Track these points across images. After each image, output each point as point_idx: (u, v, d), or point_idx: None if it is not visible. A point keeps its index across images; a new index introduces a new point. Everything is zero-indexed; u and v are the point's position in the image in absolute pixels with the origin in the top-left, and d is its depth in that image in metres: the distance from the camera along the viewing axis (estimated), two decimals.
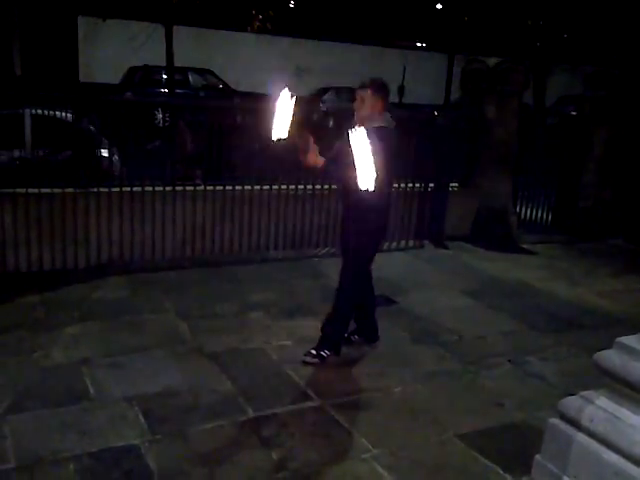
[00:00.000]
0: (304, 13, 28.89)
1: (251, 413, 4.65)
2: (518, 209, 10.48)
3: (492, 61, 10.00)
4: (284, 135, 4.65)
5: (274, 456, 4.19)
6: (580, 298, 7.73)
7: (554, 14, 26.40)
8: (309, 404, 4.86)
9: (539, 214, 10.76)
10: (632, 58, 11.30)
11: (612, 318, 7.12)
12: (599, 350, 6.07)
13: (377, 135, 5.10)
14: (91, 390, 4.80)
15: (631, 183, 10.92)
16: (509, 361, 5.85)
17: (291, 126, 4.67)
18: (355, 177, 5.01)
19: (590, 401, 3.30)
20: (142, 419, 4.46)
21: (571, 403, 3.37)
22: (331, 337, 5.56)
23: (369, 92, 5.26)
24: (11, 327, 5.82)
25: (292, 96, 4.67)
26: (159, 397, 4.77)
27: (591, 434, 3.22)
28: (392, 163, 5.38)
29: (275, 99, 4.67)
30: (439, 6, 29.92)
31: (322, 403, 4.86)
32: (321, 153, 5.28)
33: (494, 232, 9.89)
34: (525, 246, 9.95)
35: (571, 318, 7.05)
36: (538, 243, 10.15)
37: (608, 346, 6.17)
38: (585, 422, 3.26)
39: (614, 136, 10.82)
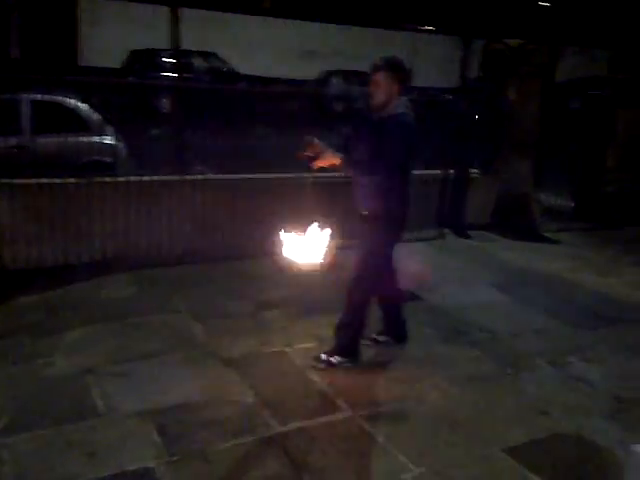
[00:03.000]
0: None
1: (277, 427, 4.22)
2: (540, 196, 10.04)
3: (515, 42, 9.51)
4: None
5: (305, 478, 3.77)
6: (612, 290, 7.33)
7: None
8: (339, 416, 4.42)
9: (561, 201, 10.33)
10: None
11: None
12: (638, 347, 5.75)
13: (396, 123, 4.68)
14: (99, 404, 4.36)
15: None
16: (548, 363, 5.43)
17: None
18: (368, 166, 4.62)
19: None
20: (157, 437, 4.03)
21: None
22: (344, 343, 5.12)
23: (383, 74, 4.73)
24: (8, 331, 5.36)
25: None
26: (175, 411, 4.33)
27: None
28: (413, 152, 4.95)
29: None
30: None
31: (353, 414, 4.44)
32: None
33: (516, 220, 9.47)
34: (547, 234, 9.50)
35: (606, 312, 6.66)
36: (560, 231, 9.73)
37: None
38: None
39: (638, 120, 10.39)
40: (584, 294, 7.15)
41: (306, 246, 4.56)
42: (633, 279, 7.75)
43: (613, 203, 10.44)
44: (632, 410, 4.75)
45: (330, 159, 4.74)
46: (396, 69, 4.81)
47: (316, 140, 4.78)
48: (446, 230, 9.01)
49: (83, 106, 8.54)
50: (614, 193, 10.49)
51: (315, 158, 4.76)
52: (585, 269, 8.04)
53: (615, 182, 10.51)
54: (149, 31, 20.58)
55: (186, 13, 12.41)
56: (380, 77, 4.74)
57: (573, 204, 10.59)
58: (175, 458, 3.85)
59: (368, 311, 5.13)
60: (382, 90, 4.75)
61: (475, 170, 9.43)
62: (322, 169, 4.97)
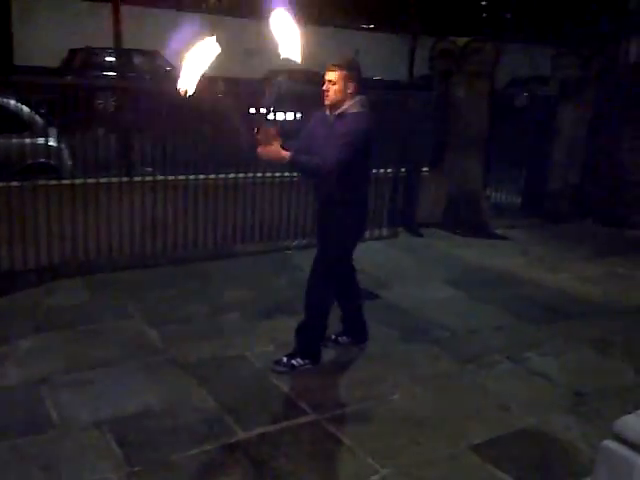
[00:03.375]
0: None
1: (240, 434, 4.12)
2: (489, 192, 10.11)
3: (462, 40, 9.53)
4: (191, 89, 3.61)
5: None
6: (564, 285, 7.41)
7: None
8: (303, 419, 4.34)
9: (509, 197, 10.42)
10: (596, 38, 10.98)
11: (600, 305, 6.87)
12: (595, 341, 5.81)
13: (353, 122, 4.63)
14: (54, 415, 4.19)
15: (600, 164, 10.64)
16: (507, 358, 5.43)
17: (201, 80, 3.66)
18: (328, 166, 4.50)
19: None
20: (116, 448, 3.89)
21: (630, 424, 2.89)
22: (304, 345, 5.04)
23: (340, 73, 4.66)
24: None
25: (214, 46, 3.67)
26: (134, 420, 4.19)
27: None
28: (371, 151, 4.89)
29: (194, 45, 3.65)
30: None
31: (317, 417, 4.36)
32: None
33: (467, 217, 9.51)
34: (498, 231, 9.57)
35: (560, 307, 6.72)
36: (510, 227, 9.81)
37: (604, 337, 5.91)
38: None
39: (582, 117, 10.53)
40: (537, 290, 7.19)
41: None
42: (584, 274, 7.83)
43: (559, 199, 10.57)
44: (591, 404, 4.77)
45: (277, 153, 4.47)
46: (351, 68, 4.74)
47: (274, 128, 4.59)
48: (399, 228, 8.99)
49: (23, 107, 8.29)
50: (559, 189, 10.61)
51: (264, 144, 4.47)
52: (537, 265, 8.11)
53: (560, 178, 10.63)
54: (88, 30, 20.25)
55: (127, 11, 12.24)
56: (335, 76, 4.67)
57: (520, 200, 10.68)
58: (136, 469, 3.72)
59: (329, 312, 5.07)
60: (337, 89, 4.68)
61: (426, 168, 9.43)
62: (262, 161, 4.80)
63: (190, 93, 3.64)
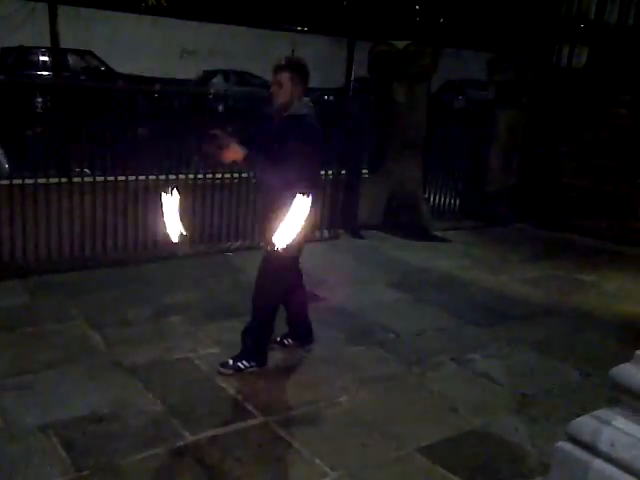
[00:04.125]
0: None
1: (188, 437, 4.07)
2: (428, 195, 10.21)
3: (401, 44, 9.61)
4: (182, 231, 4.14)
5: None
6: (505, 287, 7.51)
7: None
8: (252, 422, 4.31)
9: (448, 200, 10.53)
10: (530, 43, 11.19)
11: (541, 307, 6.98)
12: (538, 343, 5.91)
13: (300, 125, 4.63)
14: None
15: (536, 167, 10.85)
16: (452, 359, 5.48)
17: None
18: (281, 173, 4.51)
19: (607, 422, 2.88)
20: (63, 452, 3.80)
21: (584, 425, 2.94)
22: (250, 347, 4.99)
23: (287, 75, 4.65)
24: None
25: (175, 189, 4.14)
26: (80, 423, 4.10)
27: (612, 460, 2.81)
28: (320, 155, 4.90)
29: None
30: None
31: (266, 420, 4.33)
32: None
33: (406, 219, 9.58)
34: (437, 233, 9.68)
35: (502, 309, 6.80)
36: (449, 229, 9.93)
37: (547, 339, 6.02)
38: (603, 447, 2.83)
39: (518, 121, 10.73)
40: (479, 292, 7.27)
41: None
42: (523, 276, 7.94)
43: (496, 201, 10.73)
44: (537, 405, 4.84)
45: (235, 152, 4.54)
46: (299, 69, 4.74)
47: (220, 132, 4.62)
48: (340, 230, 9.00)
49: None
50: (497, 192, 10.77)
51: (221, 151, 4.57)
52: (477, 267, 8.20)
53: (497, 181, 10.80)
54: (21, 29, 19.87)
55: (62, 11, 12.05)
56: (282, 77, 4.65)
57: (459, 203, 10.81)
58: (84, 473, 3.64)
59: (275, 314, 5.04)
60: (284, 91, 4.66)
61: (366, 171, 9.48)
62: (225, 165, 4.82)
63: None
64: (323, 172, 8.39)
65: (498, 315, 6.62)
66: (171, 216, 4.11)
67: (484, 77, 11.44)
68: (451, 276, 7.75)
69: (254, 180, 5.14)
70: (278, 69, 4.68)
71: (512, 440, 4.35)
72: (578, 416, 3.10)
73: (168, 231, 4.12)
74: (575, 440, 2.93)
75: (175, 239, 4.15)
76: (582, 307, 7.01)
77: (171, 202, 4.09)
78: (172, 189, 4.11)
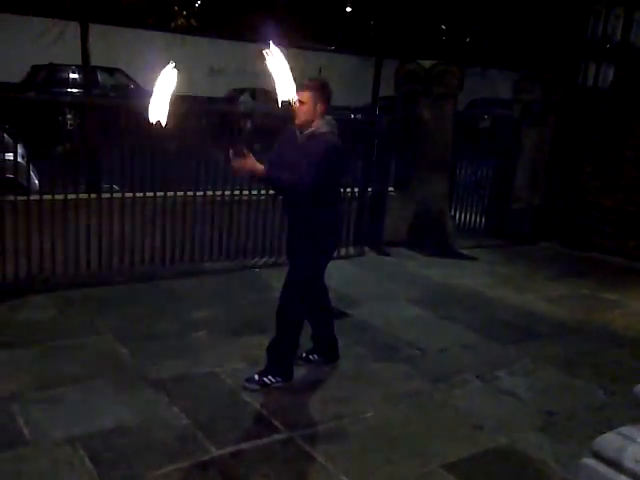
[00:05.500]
0: (218, 13, 28.33)
1: (214, 451, 4.09)
2: (453, 213, 10.21)
3: (427, 63, 9.66)
4: (163, 118, 3.74)
5: None
6: (531, 305, 7.48)
7: (464, 17, 26.75)
8: (277, 437, 4.32)
9: (473, 218, 10.53)
10: (559, 63, 11.19)
11: (566, 326, 6.95)
12: (563, 361, 5.89)
13: (324, 142, 4.67)
14: (26, 432, 4.13)
15: (562, 186, 10.81)
16: (477, 377, 5.47)
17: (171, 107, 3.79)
18: (303, 184, 4.55)
19: (631, 439, 2.87)
20: (90, 464, 3.83)
21: (609, 442, 2.94)
22: (276, 362, 5.02)
23: (309, 94, 4.72)
24: None
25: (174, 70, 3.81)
26: (106, 437, 4.14)
27: (636, 477, 2.80)
28: (340, 172, 4.95)
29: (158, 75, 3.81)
30: (349, 9, 30.02)
31: (291, 435, 4.35)
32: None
33: (431, 237, 9.59)
34: (463, 251, 9.67)
35: (527, 327, 6.78)
36: (474, 247, 9.91)
37: (571, 357, 5.99)
38: (628, 463, 2.83)
39: (544, 139, 10.71)
40: (504, 310, 7.25)
41: None
42: (548, 294, 7.91)
43: (521, 219, 10.71)
44: (562, 423, 4.82)
45: (253, 165, 4.59)
46: (321, 88, 4.81)
47: (241, 146, 4.66)
48: (365, 247, 9.03)
49: None
50: (522, 209, 10.75)
51: (240, 162, 4.58)
52: (503, 285, 8.18)
53: (522, 199, 10.78)
54: (51, 46, 20.12)
55: (93, 29, 12.21)
56: (305, 96, 4.71)
57: (484, 221, 10.79)
58: None
59: (300, 330, 5.06)
60: (306, 109, 4.72)
61: (391, 188, 9.51)
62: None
63: (164, 123, 3.72)
64: (349, 189, 8.46)
65: (523, 333, 6.60)
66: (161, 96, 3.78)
67: (509, 96, 11.45)
68: (476, 293, 7.74)
69: (280, 197, 5.15)
70: (300, 88, 4.74)
71: (537, 457, 4.33)
72: (603, 434, 3.09)
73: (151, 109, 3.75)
74: (600, 456, 2.93)
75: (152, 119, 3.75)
76: (607, 326, 6.98)
77: (168, 82, 3.80)
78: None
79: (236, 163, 4.59)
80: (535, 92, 10.68)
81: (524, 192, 10.79)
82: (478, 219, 10.64)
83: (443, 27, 26.86)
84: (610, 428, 3.10)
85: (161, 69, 3.79)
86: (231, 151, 4.56)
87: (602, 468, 2.92)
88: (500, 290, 7.93)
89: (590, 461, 2.98)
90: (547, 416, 4.91)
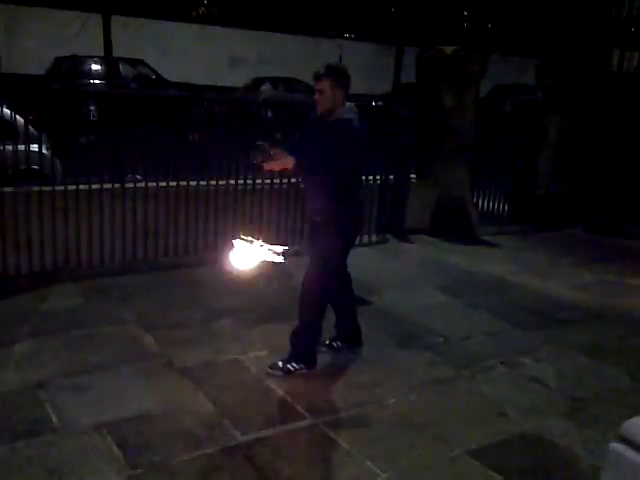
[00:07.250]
0: (238, 2, 28.34)
1: (240, 437, 4.13)
2: (476, 199, 10.17)
3: (449, 49, 9.61)
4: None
5: None
6: (554, 291, 7.45)
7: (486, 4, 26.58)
8: (301, 423, 4.35)
9: (496, 204, 10.49)
10: (583, 47, 11.06)
11: (591, 311, 6.92)
12: (588, 347, 5.86)
13: (344, 129, 4.68)
14: (54, 418, 4.18)
15: (586, 171, 10.73)
16: (501, 363, 5.46)
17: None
18: (324, 169, 4.59)
19: None
20: (117, 450, 3.89)
21: (637, 426, 2.91)
22: (299, 349, 5.05)
23: (327, 82, 4.71)
24: None
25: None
26: (133, 423, 4.19)
27: None
28: (361, 158, 4.95)
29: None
30: None
31: (315, 421, 4.37)
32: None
33: (454, 224, 9.56)
34: (486, 237, 9.64)
35: (552, 314, 6.75)
36: (497, 234, 9.88)
37: (597, 343, 5.97)
38: None
39: (567, 124, 10.62)
40: (528, 296, 7.23)
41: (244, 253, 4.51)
42: (572, 280, 7.87)
43: (545, 205, 10.65)
44: (588, 409, 4.81)
45: (283, 162, 4.68)
46: (339, 76, 4.80)
47: (267, 145, 4.75)
48: (388, 234, 9.02)
49: (11, 113, 8.22)
50: (546, 195, 10.68)
51: (270, 161, 4.70)
52: (526, 271, 8.14)
53: (546, 185, 10.71)
54: (74, 38, 20.26)
55: (114, 21, 12.30)
56: (323, 85, 4.71)
57: (507, 207, 10.74)
58: (138, 471, 3.72)
59: (323, 317, 5.08)
60: (326, 97, 4.73)
61: (413, 175, 9.49)
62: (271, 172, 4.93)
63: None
64: (371, 177, 8.45)
65: (547, 319, 6.58)
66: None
67: (532, 82, 11.37)
68: (500, 280, 7.72)
69: (302, 185, 5.18)
70: (319, 77, 4.75)
71: (562, 443, 4.33)
72: (629, 419, 3.07)
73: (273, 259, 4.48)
74: (628, 441, 2.91)
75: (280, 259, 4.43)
76: (632, 312, 6.93)
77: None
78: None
79: (268, 166, 4.72)
80: (557, 77, 10.60)
81: (548, 178, 10.73)
82: (501, 205, 10.59)
83: (465, 13, 26.68)
84: (636, 414, 3.07)
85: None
86: (258, 156, 4.68)
87: (630, 453, 2.89)
88: (524, 277, 7.90)
89: (618, 446, 2.95)
90: (573, 402, 4.90)
